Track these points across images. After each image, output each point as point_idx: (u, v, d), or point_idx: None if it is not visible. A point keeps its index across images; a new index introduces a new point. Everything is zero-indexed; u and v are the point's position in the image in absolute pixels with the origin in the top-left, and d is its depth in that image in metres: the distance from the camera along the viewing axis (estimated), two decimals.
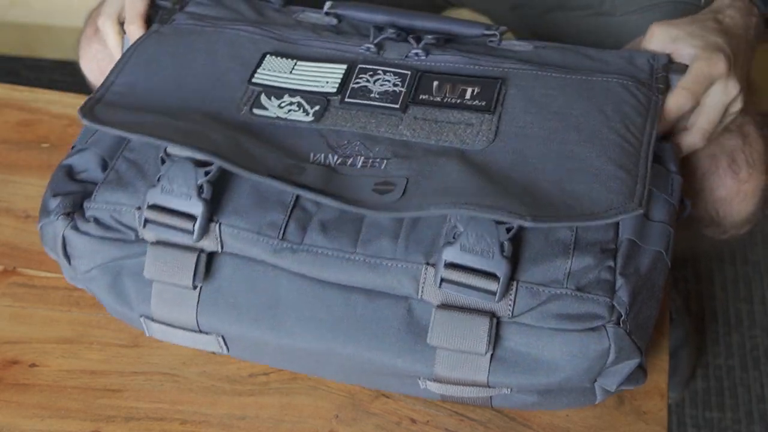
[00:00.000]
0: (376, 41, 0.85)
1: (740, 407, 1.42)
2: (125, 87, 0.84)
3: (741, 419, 1.42)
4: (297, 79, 0.84)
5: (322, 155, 0.79)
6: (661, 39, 0.89)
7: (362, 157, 0.78)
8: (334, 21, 0.89)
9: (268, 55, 0.85)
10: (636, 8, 1.03)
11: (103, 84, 0.84)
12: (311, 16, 0.90)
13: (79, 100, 1.04)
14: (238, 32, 0.87)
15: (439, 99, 0.82)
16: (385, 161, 0.78)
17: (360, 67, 0.84)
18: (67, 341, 0.88)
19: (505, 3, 1.12)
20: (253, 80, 0.84)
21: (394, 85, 0.83)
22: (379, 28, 0.86)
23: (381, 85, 0.83)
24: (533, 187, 0.75)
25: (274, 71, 0.84)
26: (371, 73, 0.83)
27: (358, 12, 0.88)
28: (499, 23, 0.90)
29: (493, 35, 0.87)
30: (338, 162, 0.78)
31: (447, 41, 0.86)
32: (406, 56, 0.85)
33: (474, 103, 0.81)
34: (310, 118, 0.81)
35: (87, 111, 0.80)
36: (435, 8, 1.20)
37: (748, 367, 1.46)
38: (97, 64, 1.04)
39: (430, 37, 0.86)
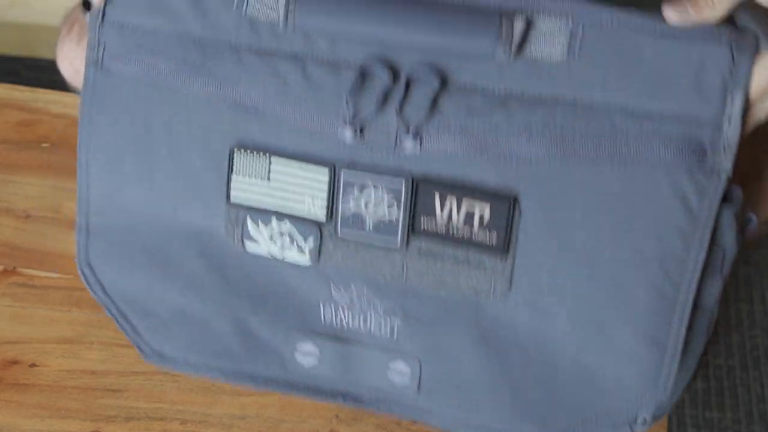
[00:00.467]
0: (354, 122, 0.71)
1: (740, 407, 1.42)
2: (104, 212, 0.79)
3: (741, 419, 1.42)
4: (278, 193, 0.74)
5: (332, 310, 0.76)
6: None
7: (372, 314, 0.75)
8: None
9: (236, 151, 0.73)
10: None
11: (80, 200, 0.79)
12: (266, 10, 0.75)
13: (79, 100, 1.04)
14: (188, 97, 0.75)
15: (443, 231, 0.71)
16: (396, 326, 0.74)
17: (345, 174, 0.72)
18: (67, 341, 0.88)
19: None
20: (233, 200, 0.75)
21: (389, 205, 0.72)
22: (361, 72, 0.72)
23: (374, 208, 0.73)
24: (550, 381, 0.73)
25: (250, 177, 0.75)
26: (359, 186, 0.72)
27: (325, 23, 0.73)
28: None
29: (503, 48, 0.70)
30: (350, 324, 0.75)
31: (442, 83, 0.71)
32: (395, 147, 0.71)
33: (484, 239, 0.71)
34: (307, 259, 0.75)
35: (85, 269, 0.80)
36: None
37: (748, 367, 1.46)
38: (70, 63, 1.04)
39: (422, 92, 0.71)
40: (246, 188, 0.74)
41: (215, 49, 0.72)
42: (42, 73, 1.79)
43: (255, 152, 0.73)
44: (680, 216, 0.68)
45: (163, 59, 0.73)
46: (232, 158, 0.73)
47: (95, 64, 0.75)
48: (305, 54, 0.71)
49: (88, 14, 0.75)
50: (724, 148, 0.67)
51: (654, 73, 0.66)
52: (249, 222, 0.75)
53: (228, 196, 0.74)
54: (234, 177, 0.74)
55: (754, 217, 0.71)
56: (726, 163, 0.67)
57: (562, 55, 0.67)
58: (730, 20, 0.68)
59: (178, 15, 0.73)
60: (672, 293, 0.69)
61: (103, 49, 0.74)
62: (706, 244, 0.68)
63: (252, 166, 0.74)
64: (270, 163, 0.73)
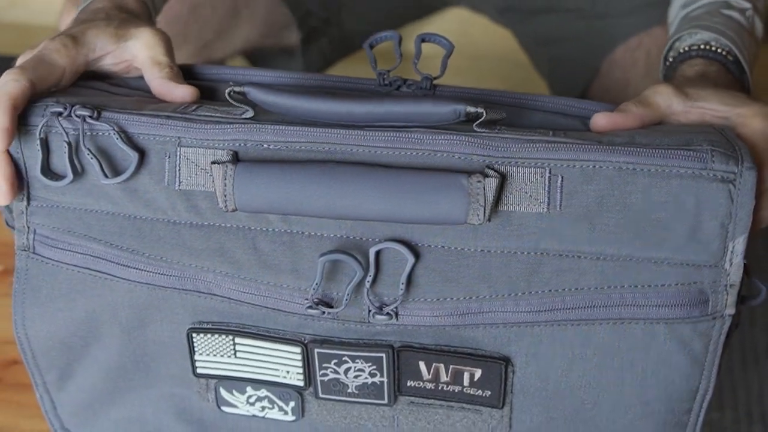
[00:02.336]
0: (317, 298, 0.66)
1: (740, 407, 1.42)
2: (63, 388, 0.75)
3: (741, 419, 1.42)
4: (249, 366, 0.70)
5: None
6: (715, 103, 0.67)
7: None
8: (250, 114, 0.65)
9: (194, 334, 0.69)
10: (629, 9, 1.02)
11: (35, 381, 0.75)
12: (200, 181, 0.65)
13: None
14: (129, 283, 0.68)
15: (432, 386, 0.68)
16: None
17: (318, 353, 0.67)
18: None
19: (495, 5, 1.12)
20: (198, 371, 0.70)
21: (371, 374, 0.68)
22: (324, 265, 0.65)
23: (355, 377, 0.68)
24: None
25: (214, 355, 0.70)
26: (336, 361, 0.67)
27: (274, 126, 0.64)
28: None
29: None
30: None
31: (416, 257, 0.64)
32: (369, 320, 0.66)
33: (477, 393, 0.68)
34: (291, 417, 0.72)
35: None
36: (426, 8, 1.20)
37: (748, 367, 1.46)
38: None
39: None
40: (212, 365, 0.70)
41: (152, 230, 0.67)
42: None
43: (215, 333, 0.68)
44: (684, 364, 0.65)
45: (97, 245, 0.68)
46: (192, 340, 0.69)
47: (26, 249, 0.69)
48: (254, 229, 0.65)
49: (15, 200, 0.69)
50: (727, 288, 0.63)
51: (644, 220, 0.61)
52: (222, 390, 0.71)
53: (194, 371, 0.71)
54: (197, 356, 0.70)
55: (764, 290, 0.67)
56: (731, 299, 0.63)
57: (542, 207, 0.61)
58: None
59: (109, 196, 0.66)
60: (678, 426, 0.68)
61: (33, 235, 0.69)
62: (713, 378, 0.66)
63: (215, 346, 0.69)
64: (234, 342, 0.69)
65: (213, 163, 0.63)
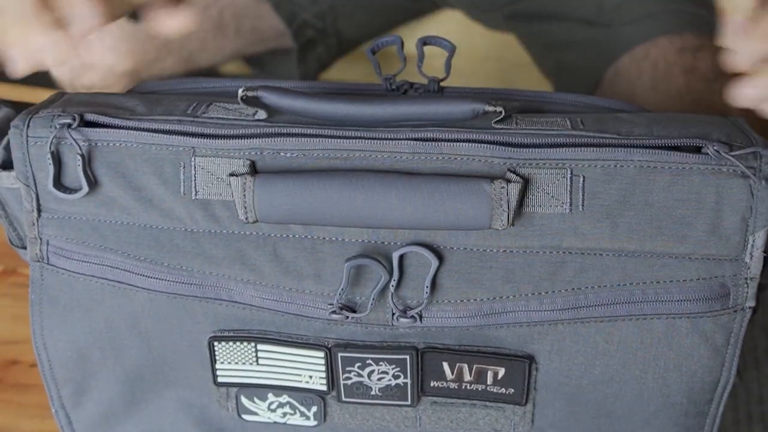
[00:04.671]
0: (341, 303, 0.65)
1: (740, 408, 1.42)
2: (79, 404, 0.74)
3: (741, 420, 1.42)
4: (271, 373, 0.69)
5: None
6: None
7: None
8: (263, 115, 0.64)
9: (215, 343, 0.68)
10: (633, 18, 1.02)
11: (50, 391, 0.74)
12: (218, 190, 0.64)
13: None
14: (148, 293, 0.68)
15: (455, 386, 0.68)
16: None
17: (342, 357, 0.67)
18: None
19: (498, 12, 1.12)
20: (219, 380, 0.70)
21: (395, 376, 0.68)
22: (349, 271, 0.64)
23: (379, 379, 0.68)
24: None
25: (236, 363, 0.69)
26: (359, 364, 0.68)
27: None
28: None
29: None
30: None
31: (441, 261, 0.64)
32: (392, 323, 0.66)
33: (500, 391, 0.68)
34: (312, 422, 0.71)
35: None
36: (424, 12, 1.20)
37: (747, 368, 1.46)
38: None
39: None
40: (234, 372, 0.70)
41: (170, 240, 0.66)
42: (42, 73, 1.79)
43: (237, 341, 0.68)
44: (706, 356, 0.65)
45: (113, 255, 0.67)
46: (213, 348, 0.68)
47: (40, 260, 0.68)
48: (274, 236, 0.65)
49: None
50: (747, 280, 0.63)
51: (666, 217, 0.61)
52: (243, 398, 0.71)
53: (215, 380, 0.70)
54: (218, 365, 0.69)
55: None
56: (751, 291, 0.63)
57: (564, 208, 0.61)
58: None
59: (123, 207, 0.65)
60: (699, 415, 0.68)
61: (47, 246, 0.68)
62: (734, 369, 0.66)
63: (236, 353, 0.69)
64: (256, 350, 0.68)
65: (231, 175, 0.62)
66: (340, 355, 0.67)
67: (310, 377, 0.68)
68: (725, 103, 0.64)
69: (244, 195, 0.61)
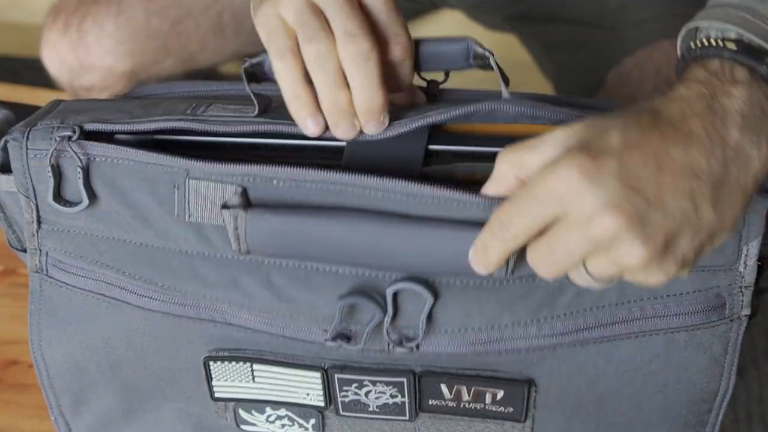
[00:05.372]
0: (336, 334, 0.64)
1: (740, 408, 1.42)
2: (78, 413, 0.74)
3: (740, 420, 1.42)
4: (268, 390, 0.69)
5: None
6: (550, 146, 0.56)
7: None
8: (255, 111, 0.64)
9: (210, 362, 0.68)
10: (635, 21, 1.02)
11: (49, 400, 0.74)
12: (210, 215, 0.63)
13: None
14: (143, 310, 0.67)
15: (454, 405, 0.67)
16: None
17: (339, 378, 0.67)
18: None
19: (498, 13, 1.12)
20: (216, 395, 0.69)
21: (392, 396, 0.67)
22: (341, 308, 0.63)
23: (376, 398, 0.68)
24: None
25: (232, 381, 0.69)
26: (356, 384, 0.67)
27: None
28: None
29: None
30: None
31: (435, 296, 0.63)
32: (388, 349, 0.64)
33: (499, 410, 0.67)
34: None
35: None
36: (424, 12, 1.19)
37: (747, 368, 1.46)
38: (56, 53, 1.04)
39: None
40: (230, 389, 0.69)
41: (165, 260, 0.65)
42: (42, 73, 1.79)
43: (232, 361, 0.67)
44: (704, 366, 0.65)
45: (109, 271, 0.67)
46: (208, 368, 0.68)
47: (39, 271, 0.68)
48: (267, 263, 0.64)
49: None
50: (742, 289, 0.63)
51: None
52: (241, 411, 0.70)
53: (212, 396, 0.70)
54: (215, 382, 0.69)
55: None
56: (746, 299, 0.63)
57: None
58: None
59: (120, 224, 0.65)
60: (699, 425, 0.68)
61: (46, 258, 0.68)
62: (733, 376, 0.66)
63: (232, 372, 0.68)
64: (252, 369, 0.67)
65: (223, 206, 0.61)
66: (336, 376, 0.66)
67: (308, 394, 0.68)
68: None
69: (236, 228, 0.61)
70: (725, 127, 0.56)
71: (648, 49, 0.97)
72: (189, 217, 0.63)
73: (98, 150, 0.63)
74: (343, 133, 0.61)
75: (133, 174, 0.63)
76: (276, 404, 0.69)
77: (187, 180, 0.62)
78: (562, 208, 0.53)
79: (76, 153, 0.63)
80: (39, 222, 0.66)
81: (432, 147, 0.67)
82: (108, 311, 0.67)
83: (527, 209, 0.54)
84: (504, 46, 1.23)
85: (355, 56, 0.60)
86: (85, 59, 1.03)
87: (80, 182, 0.63)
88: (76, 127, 0.63)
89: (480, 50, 0.63)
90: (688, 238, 0.54)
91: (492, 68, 0.62)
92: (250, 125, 0.62)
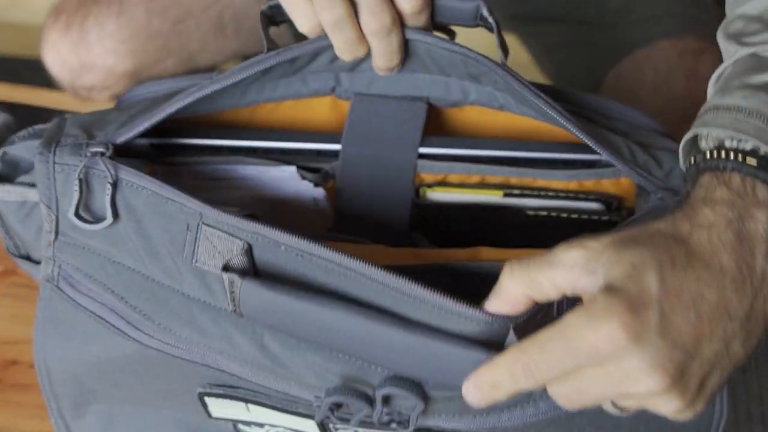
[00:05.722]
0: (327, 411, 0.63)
1: (739, 407, 1.42)
2: (80, 416, 0.74)
3: (740, 420, 1.42)
4: (265, 419, 0.69)
5: None
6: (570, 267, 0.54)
7: None
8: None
9: (206, 396, 0.68)
10: (634, 21, 1.02)
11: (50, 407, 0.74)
12: (214, 265, 0.63)
13: (79, 100, 1.04)
14: (140, 343, 0.66)
15: None
16: None
17: (335, 426, 0.66)
18: None
19: (499, 13, 1.12)
20: (213, 416, 0.70)
21: None
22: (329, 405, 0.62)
23: None
24: None
25: (228, 410, 0.69)
26: (353, 430, 0.66)
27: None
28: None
29: None
30: None
31: (425, 401, 0.61)
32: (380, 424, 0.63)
33: None
34: None
35: None
36: None
37: (747, 368, 1.46)
38: (57, 52, 1.04)
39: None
40: (227, 414, 0.69)
41: (166, 299, 0.65)
42: (42, 73, 1.79)
43: (227, 398, 0.67)
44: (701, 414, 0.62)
45: (112, 297, 0.66)
46: (204, 401, 0.68)
47: (51, 280, 0.68)
48: (262, 326, 0.63)
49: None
50: None
51: None
52: (240, 425, 0.70)
53: (209, 416, 0.70)
54: (211, 408, 0.69)
55: None
56: None
57: None
58: None
59: (131, 252, 0.65)
60: None
61: (59, 270, 0.68)
62: (726, 407, 0.66)
63: (227, 405, 0.68)
64: (247, 406, 0.67)
65: (224, 268, 0.61)
66: (332, 425, 0.66)
67: (306, 429, 0.67)
68: None
69: (232, 292, 0.61)
70: (753, 257, 0.55)
71: (647, 48, 0.97)
72: (195, 262, 0.62)
73: (126, 173, 0.64)
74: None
75: (153, 206, 0.63)
76: (273, 426, 0.69)
77: (200, 224, 0.62)
78: (599, 361, 0.52)
79: (108, 169, 0.63)
80: (57, 233, 0.67)
81: (423, 150, 0.68)
82: (108, 336, 0.67)
83: (560, 360, 0.52)
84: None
85: (378, 32, 0.64)
86: (86, 59, 1.03)
87: (107, 199, 0.63)
88: (109, 144, 0.64)
89: (486, 13, 0.67)
90: (718, 376, 0.54)
91: (495, 32, 0.66)
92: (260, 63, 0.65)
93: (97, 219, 0.65)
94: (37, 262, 0.72)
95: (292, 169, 0.70)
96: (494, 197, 0.70)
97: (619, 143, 0.66)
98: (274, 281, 0.60)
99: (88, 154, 0.64)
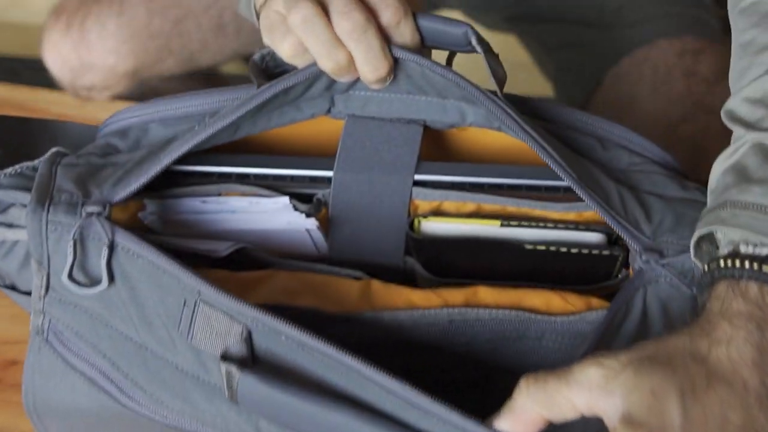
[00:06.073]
0: None
1: None
2: None
3: None
4: None
5: None
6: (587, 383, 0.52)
7: None
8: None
9: None
10: (633, 21, 1.02)
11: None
12: (212, 346, 0.61)
13: (80, 100, 1.04)
14: (131, 413, 0.65)
15: None
16: None
17: None
18: None
19: (500, 14, 1.12)
20: None
21: None
22: None
23: None
24: None
25: None
26: None
27: None
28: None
29: None
30: None
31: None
32: None
33: None
34: None
35: None
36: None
37: None
38: (57, 52, 1.04)
39: None
40: None
41: (158, 369, 0.63)
42: (42, 73, 1.79)
43: None
44: None
45: (103, 360, 0.64)
46: None
47: (40, 333, 0.66)
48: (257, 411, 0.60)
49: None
50: None
51: None
52: None
53: None
54: None
55: None
56: None
57: None
58: None
59: (124, 317, 0.63)
60: None
61: (48, 324, 0.66)
62: None
63: None
64: None
65: (222, 357, 0.59)
66: None
67: None
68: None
69: (230, 382, 0.59)
70: None
71: (646, 48, 0.98)
72: (191, 340, 0.61)
73: (123, 237, 0.62)
74: (349, 80, 0.64)
75: (149, 275, 0.62)
76: None
77: (198, 302, 0.60)
78: None
79: (105, 231, 0.62)
80: (47, 288, 0.65)
81: (418, 177, 0.66)
82: (98, 396, 0.65)
83: None
84: (504, 46, 1.23)
85: (352, 32, 0.61)
86: (87, 58, 1.03)
87: (103, 262, 0.62)
88: (107, 203, 0.62)
89: (474, 42, 0.64)
90: None
91: (489, 55, 0.64)
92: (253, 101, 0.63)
93: (92, 281, 0.63)
94: (25, 293, 0.70)
95: (285, 200, 0.67)
96: (491, 227, 0.67)
97: (611, 190, 0.64)
98: (273, 373, 0.58)
99: (84, 214, 0.62)
